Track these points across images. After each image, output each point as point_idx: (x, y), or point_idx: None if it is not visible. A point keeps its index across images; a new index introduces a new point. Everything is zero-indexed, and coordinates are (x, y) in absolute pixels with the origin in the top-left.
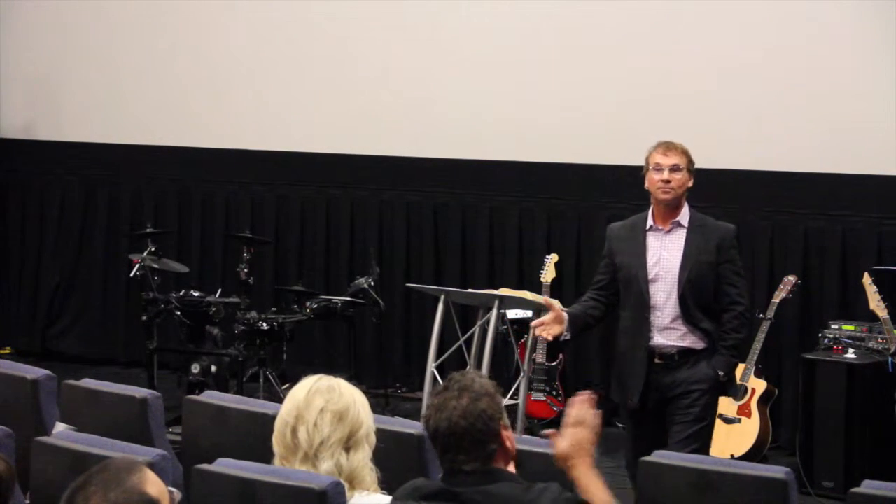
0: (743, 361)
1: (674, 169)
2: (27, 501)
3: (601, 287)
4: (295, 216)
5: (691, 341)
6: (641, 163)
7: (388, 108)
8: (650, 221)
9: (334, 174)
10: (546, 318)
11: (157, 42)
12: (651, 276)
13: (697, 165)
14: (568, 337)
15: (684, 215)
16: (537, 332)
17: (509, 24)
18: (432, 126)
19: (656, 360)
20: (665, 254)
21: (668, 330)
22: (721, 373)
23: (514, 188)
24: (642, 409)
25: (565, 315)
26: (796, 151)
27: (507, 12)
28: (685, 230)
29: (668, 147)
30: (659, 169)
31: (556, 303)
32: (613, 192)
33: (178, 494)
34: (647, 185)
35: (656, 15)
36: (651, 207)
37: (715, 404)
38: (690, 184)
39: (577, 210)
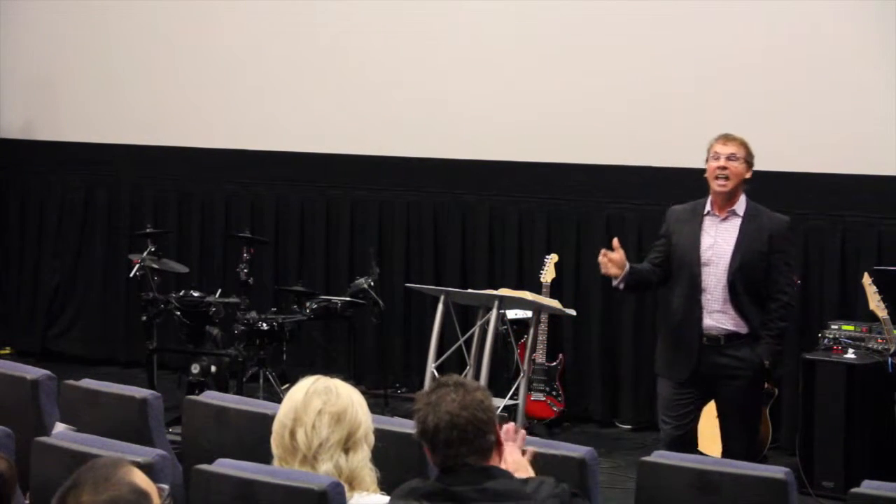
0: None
1: (731, 158)
2: (27, 502)
3: (657, 264)
4: (295, 216)
5: (737, 326)
6: (641, 163)
7: (388, 109)
8: (708, 207)
9: (334, 174)
10: (613, 254)
11: (157, 42)
12: (704, 259)
13: (697, 165)
14: (622, 286)
15: (740, 205)
16: (601, 259)
17: (509, 24)
18: (432, 126)
19: (704, 342)
20: (719, 240)
21: (716, 313)
22: (766, 361)
23: (514, 188)
24: (685, 389)
25: (628, 264)
26: (796, 151)
27: (507, 12)
28: (740, 219)
29: (727, 137)
30: (716, 157)
31: (618, 247)
32: (613, 192)
33: (167, 489)
34: (707, 174)
35: (656, 15)
36: (710, 195)
37: (758, 390)
38: (748, 175)
39: (577, 210)
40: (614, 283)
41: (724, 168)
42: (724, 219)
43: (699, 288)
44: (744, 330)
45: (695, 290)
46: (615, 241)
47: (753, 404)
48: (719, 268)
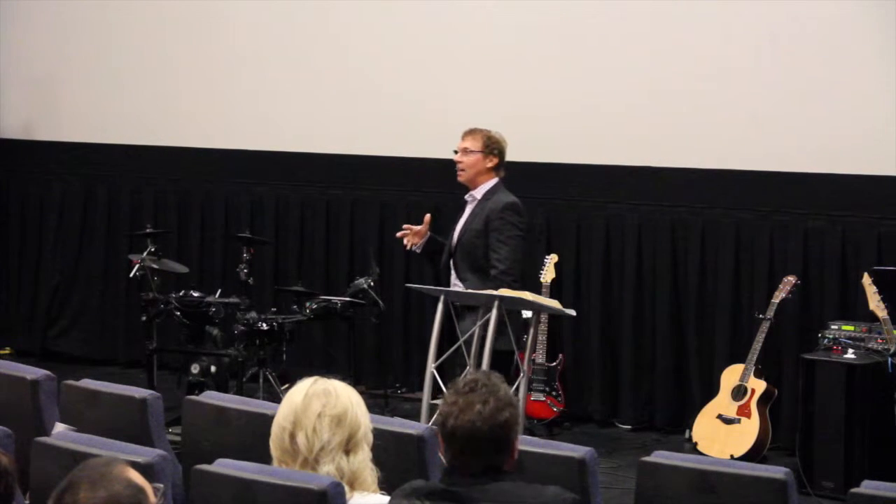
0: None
1: (464, 152)
2: (27, 502)
3: None
4: (295, 216)
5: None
6: (642, 163)
7: (388, 109)
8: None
9: (334, 174)
10: (417, 227)
11: (156, 42)
12: (453, 239)
13: (698, 165)
14: (418, 250)
15: (480, 190)
16: (401, 234)
17: (509, 24)
18: (432, 126)
19: (451, 310)
20: (460, 221)
21: (454, 286)
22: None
23: (514, 188)
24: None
25: (429, 233)
26: (796, 151)
27: (506, 12)
28: (476, 202)
29: (466, 132)
30: (455, 152)
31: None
32: (613, 192)
33: (162, 488)
34: None
35: (656, 15)
36: None
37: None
38: (489, 163)
39: (578, 210)
40: (414, 248)
41: (458, 162)
42: (471, 203)
43: (447, 264)
44: (472, 302)
45: (446, 269)
46: (427, 217)
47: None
48: (452, 246)
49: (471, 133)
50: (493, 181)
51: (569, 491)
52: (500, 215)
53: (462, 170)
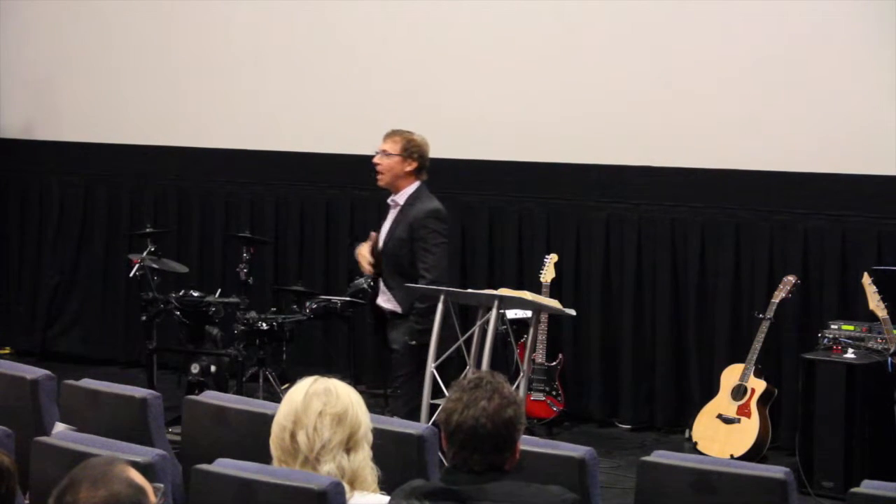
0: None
1: (383, 154)
2: (27, 501)
3: None
4: (295, 216)
5: (395, 306)
6: (642, 163)
7: (387, 109)
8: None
9: (334, 174)
10: (364, 252)
11: (156, 42)
12: (380, 246)
13: (697, 165)
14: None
15: (402, 195)
16: (359, 257)
17: (509, 24)
18: (432, 126)
19: (380, 316)
20: (385, 228)
21: (383, 293)
22: (409, 339)
23: (514, 188)
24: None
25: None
26: (796, 151)
27: (507, 12)
28: (399, 208)
29: (387, 134)
30: (375, 154)
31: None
32: (613, 192)
33: (162, 487)
34: None
35: (656, 15)
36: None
37: (407, 363)
38: (408, 167)
39: (577, 210)
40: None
41: (377, 164)
42: (394, 208)
43: (379, 271)
44: (398, 310)
45: (377, 274)
46: (373, 235)
47: (403, 375)
48: (379, 252)
49: (391, 136)
50: (415, 185)
51: (569, 491)
52: (424, 223)
53: (380, 173)
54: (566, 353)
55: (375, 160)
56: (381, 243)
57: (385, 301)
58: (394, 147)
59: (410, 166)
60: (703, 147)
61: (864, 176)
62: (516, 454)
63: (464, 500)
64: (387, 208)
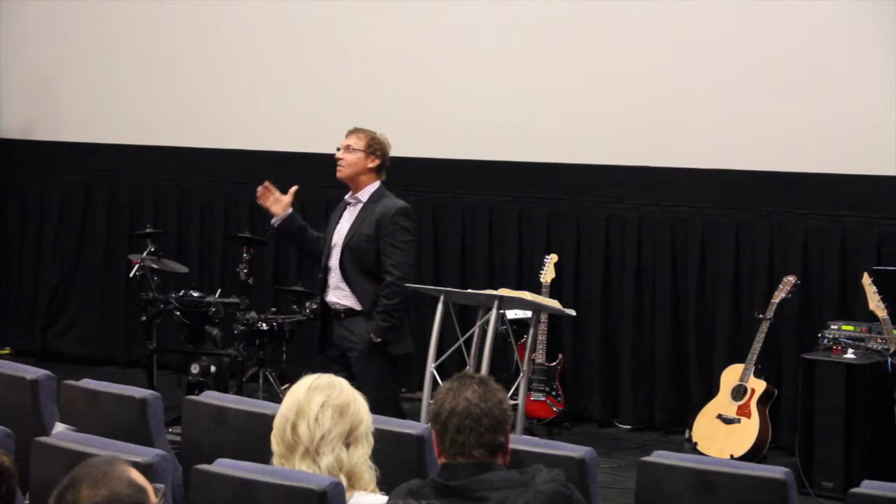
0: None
1: (346, 149)
2: (27, 502)
3: (319, 237)
4: None
5: (353, 303)
6: (641, 163)
7: (387, 109)
8: (348, 195)
9: (334, 174)
10: (280, 196)
11: (156, 42)
12: (332, 242)
13: (697, 165)
14: (277, 223)
15: (365, 192)
16: (261, 188)
17: (509, 24)
18: (432, 126)
19: (330, 315)
20: (343, 224)
21: (336, 290)
22: (374, 336)
23: (514, 188)
24: (327, 356)
25: (292, 210)
26: (796, 151)
27: (507, 13)
28: (362, 205)
29: (351, 131)
30: (338, 148)
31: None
32: (613, 192)
33: (162, 488)
34: None
35: (656, 15)
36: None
37: (379, 359)
38: (371, 164)
39: (577, 210)
40: (273, 220)
41: (340, 159)
42: (354, 205)
43: (327, 267)
44: (358, 307)
45: (325, 270)
46: (293, 189)
47: (375, 372)
48: (337, 250)
49: (355, 132)
50: (376, 184)
51: (555, 469)
52: (393, 220)
53: (342, 167)
54: (566, 353)
55: (339, 154)
56: (339, 240)
57: (340, 297)
58: (358, 143)
59: (373, 163)
60: (703, 147)
61: (864, 176)
62: (508, 448)
63: (461, 494)
64: (337, 206)
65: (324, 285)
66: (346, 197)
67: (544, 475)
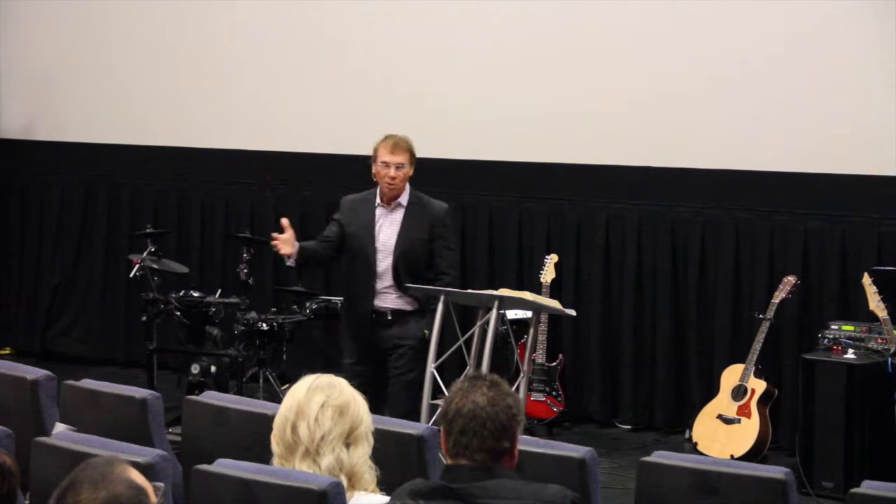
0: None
1: (398, 167)
2: (27, 502)
3: (327, 241)
4: (295, 216)
5: (403, 304)
6: (641, 163)
7: (387, 109)
8: (378, 199)
9: (334, 174)
10: (283, 235)
11: (157, 42)
12: (378, 247)
13: (697, 165)
14: (293, 263)
15: (405, 196)
16: (273, 242)
17: (509, 24)
18: (432, 126)
19: (374, 318)
20: (388, 229)
21: (385, 293)
22: (427, 331)
23: (514, 188)
24: (363, 362)
25: (297, 243)
26: (796, 151)
27: (507, 13)
28: (404, 209)
29: (395, 146)
30: (386, 166)
31: (288, 226)
32: (613, 192)
33: (162, 487)
34: (374, 172)
35: (656, 16)
36: (379, 187)
37: (421, 359)
38: (411, 173)
39: (577, 210)
40: (287, 262)
41: (394, 178)
42: (392, 209)
43: (373, 272)
44: (409, 308)
45: (370, 276)
46: (284, 221)
47: (420, 368)
48: (387, 255)
49: (398, 147)
50: (408, 186)
51: (569, 490)
52: (444, 222)
53: (396, 186)
54: (566, 353)
55: (392, 173)
56: (384, 246)
57: (389, 302)
58: (404, 158)
59: (412, 170)
60: (703, 147)
61: (864, 176)
62: (515, 452)
63: (464, 499)
64: (357, 208)
65: (366, 291)
66: (380, 200)
67: (552, 491)
